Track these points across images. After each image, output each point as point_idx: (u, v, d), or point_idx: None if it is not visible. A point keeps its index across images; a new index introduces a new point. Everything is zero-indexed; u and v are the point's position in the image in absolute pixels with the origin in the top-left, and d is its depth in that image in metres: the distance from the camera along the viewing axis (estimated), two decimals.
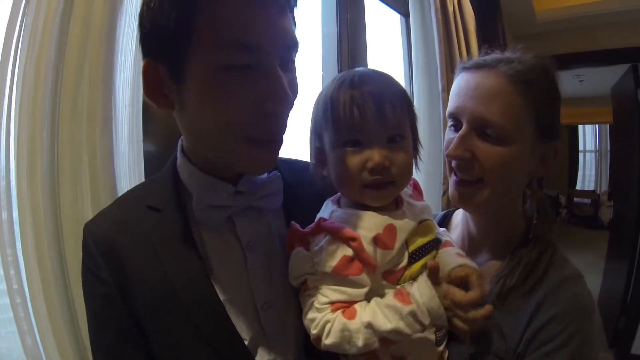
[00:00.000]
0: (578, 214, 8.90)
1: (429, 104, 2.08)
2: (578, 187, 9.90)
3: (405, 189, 0.83)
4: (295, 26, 0.68)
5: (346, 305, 0.72)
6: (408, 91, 2.17)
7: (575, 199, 9.06)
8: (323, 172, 0.81)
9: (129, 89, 0.94)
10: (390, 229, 0.74)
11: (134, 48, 0.93)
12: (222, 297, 0.69)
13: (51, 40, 0.80)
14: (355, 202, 0.78)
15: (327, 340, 0.70)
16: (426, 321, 0.70)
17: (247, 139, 0.64)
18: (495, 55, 0.87)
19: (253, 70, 0.61)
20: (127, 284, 0.67)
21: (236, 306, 0.71)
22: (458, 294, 0.72)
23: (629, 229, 3.73)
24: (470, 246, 0.94)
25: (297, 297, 0.78)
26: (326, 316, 0.71)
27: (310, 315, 0.72)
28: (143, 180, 0.95)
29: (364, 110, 0.72)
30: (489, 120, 0.80)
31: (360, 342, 0.70)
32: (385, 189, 0.75)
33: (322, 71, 1.77)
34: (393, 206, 0.79)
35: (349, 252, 0.71)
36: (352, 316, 0.71)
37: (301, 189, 0.83)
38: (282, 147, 0.70)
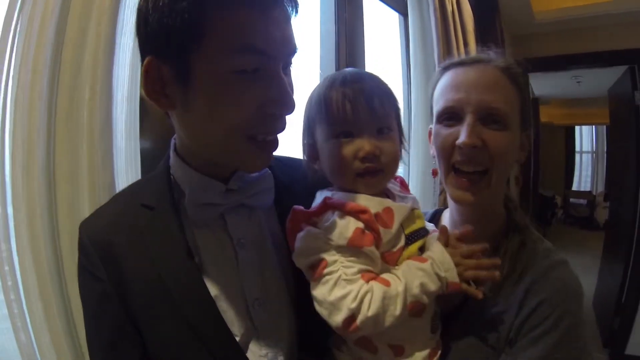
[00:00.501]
0: (574, 215, 8.92)
1: (426, 103, 2.08)
2: (574, 187, 9.93)
3: (394, 186, 0.87)
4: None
5: (374, 275, 0.73)
6: (406, 90, 2.15)
7: (572, 200, 9.09)
8: (315, 166, 0.85)
9: (126, 86, 0.94)
10: (389, 210, 0.77)
11: (131, 45, 0.93)
12: (213, 293, 0.71)
13: (49, 35, 0.80)
14: (349, 190, 0.80)
15: (370, 312, 0.69)
16: (442, 272, 0.74)
17: (249, 138, 0.66)
18: (481, 54, 0.93)
19: (260, 74, 0.63)
20: (123, 281, 0.68)
21: (227, 302, 0.72)
22: (464, 247, 0.79)
23: (625, 230, 3.74)
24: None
25: (290, 296, 0.78)
26: (363, 287, 0.70)
27: (340, 291, 0.70)
28: (140, 177, 0.95)
29: (355, 103, 0.77)
30: (495, 107, 0.84)
31: (397, 310, 0.70)
32: (377, 177, 0.79)
33: (320, 70, 1.78)
34: (385, 196, 0.83)
35: (360, 224, 0.73)
36: (387, 283, 0.72)
37: (293, 186, 0.84)
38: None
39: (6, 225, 0.80)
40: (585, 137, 10.20)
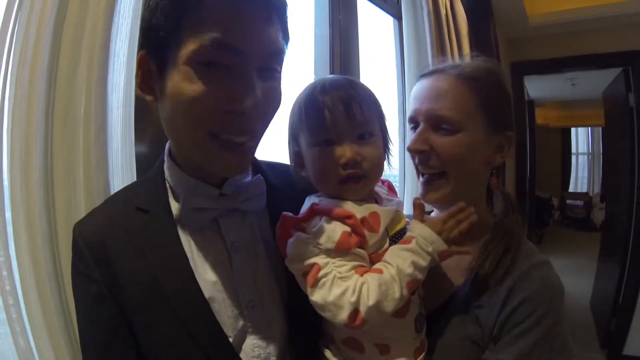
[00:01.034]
0: (571, 216, 8.95)
1: None
2: (571, 189, 9.96)
3: (381, 189, 0.89)
4: (283, 36, 0.70)
5: (367, 269, 0.75)
6: (400, 94, 2.17)
7: (568, 201, 9.12)
8: (302, 173, 0.86)
9: (121, 91, 0.94)
10: (375, 215, 0.79)
11: (126, 50, 0.94)
12: (207, 296, 0.71)
13: (45, 42, 0.81)
14: (334, 197, 0.82)
15: (370, 301, 0.70)
16: (429, 246, 0.76)
17: (211, 135, 0.66)
18: (447, 63, 0.97)
19: (228, 71, 0.63)
20: (117, 283, 0.69)
21: (221, 304, 0.73)
22: (440, 215, 0.83)
23: (621, 231, 3.75)
24: None
25: (282, 298, 0.80)
26: (359, 280, 0.72)
27: (338, 289, 0.71)
28: (135, 180, 0.95)
29: (334, 111, 0.78)
30: (441, 115, 0.89)
31: (397, 293, 0.72)
32: (360, 183, 0.80)
33: (315, 74, 1.78)
34: (373, 200, 0.85)
35: (346, 228, 0.75)
36: (380, 271, 0.74)
37: (284, 191, 0.85)
38: (253, 153, 0.73)
39: (4, 229, 0.80)
40: (581, 139, 10.25)
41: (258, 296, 0.77)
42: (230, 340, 0.72)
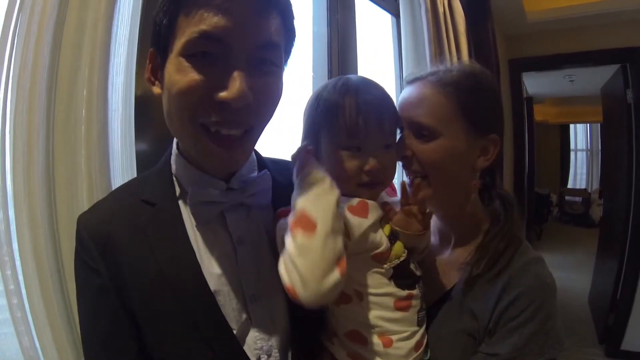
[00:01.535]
0: (569, 212, 8.95)
1: None
2: (569, 185, 9.97)
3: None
4: (285, 32, 0.72)
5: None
6: (398, 91, 2.17)
7: (567, 198, 9.11)
8: None
9: (120, 91, 0.95)
10: (363, 204, 0.81)
11: (125, 51, 0.95)
12: (212, 288, 0.72)
13: (46, 43, 0.82)
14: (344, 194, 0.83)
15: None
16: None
17: (202, 127, 0.67)
18: (430, 69, 0.98)
19: (217, 62, 0.64)
20: (121, 275, 0.70)
21: (226, 297, 0.74)
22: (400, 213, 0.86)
23: (619, 227, 3.77)
24: (441, 239, 1.04)
25: (283, 291, 0.80)
26: None
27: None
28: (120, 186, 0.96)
29: (370, 121, 0.80)
30: (418, 121, 0.91)
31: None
32: (376, 188, 0.85)
33: (313, 71, 1.78)
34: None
35: None
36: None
37: (289, 187, 0.85)
38: (247, 147, 0.73)
39: (8, 229, 0.81)
40: (580, 135, 10.25)
41: (262, 290, 0.78)
42: (235, 332, 0.73)
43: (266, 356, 0.76)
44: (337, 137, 0.82)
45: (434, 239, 1.01)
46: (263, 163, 0.87)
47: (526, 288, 0.83)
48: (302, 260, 0.67)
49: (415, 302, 0.84)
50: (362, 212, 0.80)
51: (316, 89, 0.88)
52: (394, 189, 0.98)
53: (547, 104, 8.70)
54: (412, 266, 0.84)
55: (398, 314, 0.81)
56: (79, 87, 0.86)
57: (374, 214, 0.81)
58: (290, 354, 0.80)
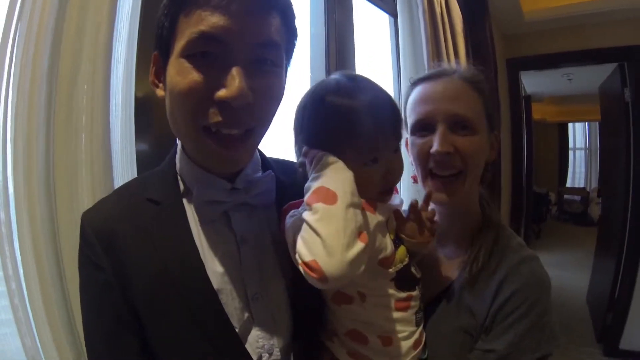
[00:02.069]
0: (568, 211, 8.97)
1: None
2: (568, 184, 9.98)
3: None
4: (286, 31, 0.72)
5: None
6: (396, 91, 2.16)
7: (566, 196, 9.13)
8: None
9: (120, 93, 0.96)
10: (371, 201, 0.79)
11: (125, 53, 0.96)
12: (216, 287, 0.73)
13: (46, 45, 0.82)
14: None
15: None
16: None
17: (204, 129, 0.68)
18: (446, 67, 1.01)
19: (217, 62, 0.65)
20: (125, 272, 0.70)
21: (228, 296, 0.74)
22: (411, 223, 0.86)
23: (617, 226, 3.77)
24: (439, 238, 1.02)
25: (287, 291, 0.81)
26: None
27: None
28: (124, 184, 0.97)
29: (385, 133, 0.78)
30: (462, 115, 0.91)
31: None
32: (392, 192, 0.84)
33: (310, 72, 1.79)
34: None
35: None
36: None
37: (292, 187, 0.85)
38: (249, 147, 0.73)
39: (9, 230, 0.81)
40: (579, 134, 10.27)
41: (264, 288, 0.78)
42: (237, 331, 0.74)
43: (267, 354, 0.77)
44: (355, 155, 0.76)
45: None
46: (267, 163, 0.87)
47: (521, 285, 0.85)
48: (325, 228, 0.64)
49: (414, 303, 0.85)
50: (369, 208, 0.78)
51: (305, 99, 0.82)
52: (395, 190, 0.97)
53: (546, 103, 8.71)
54: (412, 269, 0.85)
55: (397, 314, 0.82)
56: (80, 88, 0.86)
57: (381, 212, 0.80)
58: (291, 353, 0.81)
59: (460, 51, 2.29)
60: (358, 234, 0.66)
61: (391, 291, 0.81)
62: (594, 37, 3.74)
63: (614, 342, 3.65)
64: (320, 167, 0.73)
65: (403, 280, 0.82)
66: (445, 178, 0.93)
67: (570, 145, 10.30)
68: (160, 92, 0.74)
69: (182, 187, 0.78)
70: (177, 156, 0.80)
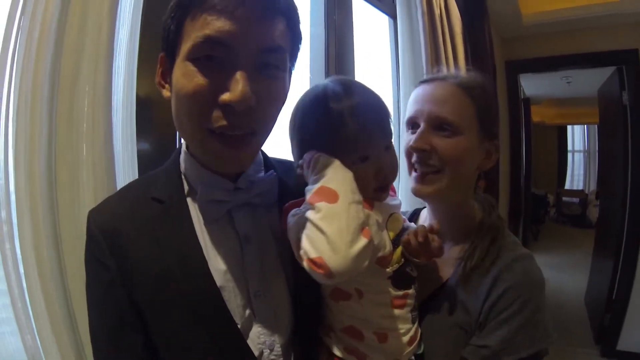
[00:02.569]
0: (567, 213, 8.98)
1: None
2: (567, 186, 9.99)
3: None
4: (292, 36, 0.73)
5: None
6: (395, 92, 2.16)
7: (564, 198, 9.14)
8: None
9: (121, 92, 0.96)
10: (368, 202, 0.80)
11: (125, 52, 0.96)
12: (218, 284, 0.74)
13: (48, 44, 0.83)
14: None
15: None
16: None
17: (210, 132, 0.68)
18: (447, 73, 1.05)
19: (222, 66, 0.65)
20: (129, 270, 0.72)
21: (231, 293, 0.75)
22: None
23: (615, 228, 3.79)
24: None
25: (288, 289, 0.82)
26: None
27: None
28: (137, 178, 0.98)
29: (372, 130, 0.79)
30: (443, 117, 0.95)
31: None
32: (387, 190, 0.85)
33: (310, 73, 1.79)
34: None
35: None
36: None
37: (294, 187, 0.86)
38: (253, 149, 0.74)
39: (11, 229, 0.82)
40: (577, 136, 10.28)
41: (266, 286, 0.79)
42: (238, 327, 0.75)
43: (269, 351, 0.78)
44: (345, 155, 0.77)
45: None
46: (269, 163, 0.88)
47: (514, 283, 0.87)
48: (329, 226, 0.66)
49: (410, 301, 0.86)
50: (367, 207, 0.79)
51: (298, 104, 0.85)
52: (393, 190, 0.97)
53: (545, 105, 8.72)
54: (409, 269, 0.86)
55: (394, 312, 0.83)
56: (81, 87, 0.87)
57: (379, 211, 0.81)
58: (292, 349, 0.82)
59: (459, 53, 2.30)
60: (361, 230, 0.68)
61: (388, 289, 0.83)
62: (593, 41, 3.76)
63: (611, 343, 3.66)
64: (319, 168, 0.74)
65: (400, 279, 0.84)
66: (424, 173, 0.97)
67: (569, 147, 10.31)
68: (166, 93, 0.75)
69: (186, 186, 0.80)
70: (182, 156, 0.82)
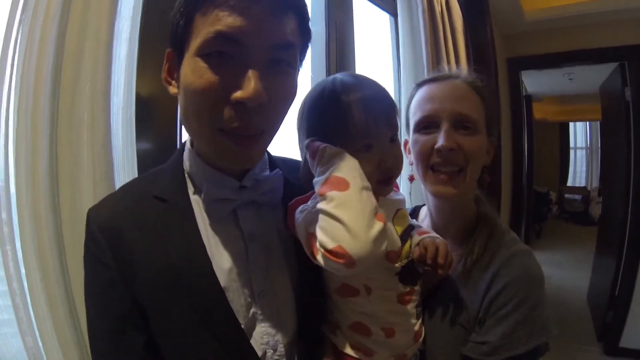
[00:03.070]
0: (569, 210, 8.96)
1: None
2: (569, 183, 9.96)
3: None
4: (301, 32, 0.72)
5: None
6: (396, 90, 2.16)
7: (566, 196, 9.12)
8: None
9: (121, 93, 0.96)
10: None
11: (125, 53, 0.96)
12: (222, 284, 0.74)
13: (49, 43, 0.83)
14: None
15: None
16: None
17: (220, 130, 0.68)
18: (450, 72, 1.06)
19: (232, 62, 0.65)
20: (131, 269, 0.71)
21: (235, 292, 0.75)
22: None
23: (617, 225, 3.77)
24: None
25: (292, 289, 0.82)
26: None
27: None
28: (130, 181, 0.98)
29: (377, 118, 0.78)
30: (466, 114, 0.96)
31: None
32: (391, 183, 0.84)
33: (311, 72, 1.79)
34: None
35: None
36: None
37: (299, 186, 0.86)
38: (261, 146, 0.74)
39: (11, 230, 0.82)
40: (580, 133, 10.25)
41: (270, 286, 0.79)
42: (242, 327, 0.74)
43: (272, 351, 0.77)
44: (349, 141, 0.78)
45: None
46: (274, 162, 0.88)
47: (513, 278, 0.87)
48: (345, 213, 0.66)
49: (415, 297, 0.87)
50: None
51: (306, 95, 0.85)
52: (396, 186, 0.97)
53: (547, 102, 8.70)
54: (415, 264, 0.87)
55: (400, 307, 0.84)
56: (82, 88, 0.87)
57: (384, 206, 0.81)
58: (295, 350, 0.82)
59: (460, 50, 2.30)
60: (375, 214, 0.68)
61: (395, 285, 0.83)
62: (595, 37, 3.74)
63: (614, 340, 3.65)
64: (326, 158, 0.74)
65: (407, 275, 0.84)
66: (448, 173, 0.96)
67: (571, 144, 10.27)
68: (173, 90, 0.74)
69: (189, 185, 0.79)
70: (186, 154, 0.81)
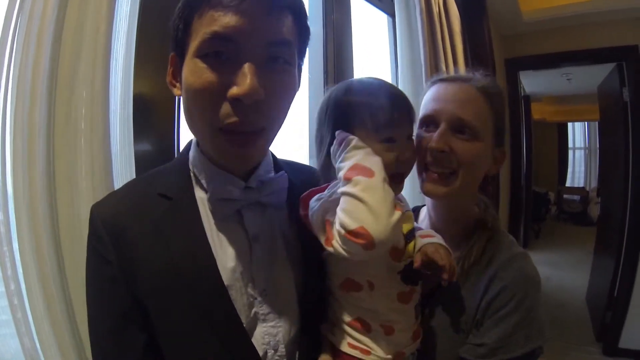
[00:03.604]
0: (568, 211, 8.97)
1: (413, 104, 2.10)
2: (568, 183, 9.97)
3: None
4: (299, 30, 0.73)
5: None
6: None
7: (565, 196, 9.13)
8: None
9: (119, 92, 0.96)
10: None
11: (123, 52, 0.96)
12: (225, 283, 0.74)
13: (46, 43, 0.83)
14: None
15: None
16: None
17: (221, 130, 0.69)
18: (465, 74, 1.05)
19: (228, 60, 0.66)
20: (133, 266, 0.71)
21: (237, 292, 0.75)
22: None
23: (616, 225, 3.77)
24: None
25: (295, 290, 0.83)
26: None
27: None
28: (140, 175, 0.98)
29: (400, 111, 0.84)
30: (465, 119, 0.94)
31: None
32: (403, 181, 0.88)
33: (309, 72, 1.79)
34: None
35: None
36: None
37: (303, 189, 0.87)
38: (261, 145, 0.74)
39: (8, 230, 0.82)
40: (578, 134, 10.27)
41: (272, 286, 0.79)
42: (244, 326, 0.75)
43: (273, 351, 0.78)
44: (374, 133, 0.82)
45: None
46: (279, 164, 0.88)
47: (510, 281, 0.88)
48: (371, 196, 0.70)
49: (415, 296, 0.88)
50: None
51: (331, 91, 0.89)
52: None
53: (545, 103, 8.72)
54: None
55: (400, 306, 0.85)
56: (79, 88, 0.87)
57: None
58: (296, 350, 0.82)
59: (458, 51, 2.30)
60: (394, 204, 0.72)
61: (397, 283, 0.85)
62: (593, 37, 3.75)
63: (613, 341, 3.65)
64: (353, 149, 0.78)
65: (409, 274, 0.85)
66: (439, 174, 0.96)
67: (570, 144, 10.30)
68: (177, 92, 0.76)
69: (195, 183, 0.80)
70: (191, 153, 0.82)
